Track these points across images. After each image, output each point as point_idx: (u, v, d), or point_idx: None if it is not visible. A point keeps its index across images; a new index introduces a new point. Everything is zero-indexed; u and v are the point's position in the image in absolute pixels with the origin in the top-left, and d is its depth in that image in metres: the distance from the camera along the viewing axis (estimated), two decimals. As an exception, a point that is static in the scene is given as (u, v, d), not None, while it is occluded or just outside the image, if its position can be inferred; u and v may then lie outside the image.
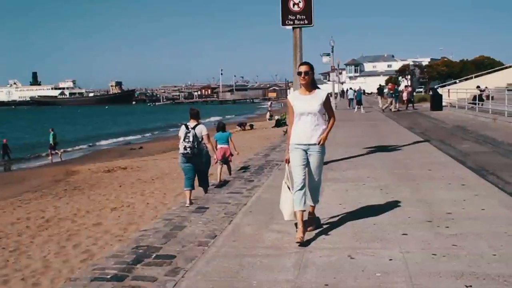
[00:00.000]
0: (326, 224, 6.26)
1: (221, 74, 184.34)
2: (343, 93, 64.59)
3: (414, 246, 5.31)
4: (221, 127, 11.94)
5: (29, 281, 6.99)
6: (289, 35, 11.15)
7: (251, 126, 39.01)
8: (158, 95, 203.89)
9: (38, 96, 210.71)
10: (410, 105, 36.39)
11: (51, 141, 29.16)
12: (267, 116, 49.25)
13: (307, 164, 5.79)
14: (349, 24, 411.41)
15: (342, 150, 13.56)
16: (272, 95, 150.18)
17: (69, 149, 36.17)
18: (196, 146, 9.25)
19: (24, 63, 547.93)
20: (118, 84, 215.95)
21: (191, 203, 8.74)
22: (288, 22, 10.64)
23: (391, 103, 34.71)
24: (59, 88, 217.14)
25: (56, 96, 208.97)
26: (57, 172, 20.95)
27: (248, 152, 17.92)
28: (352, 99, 43.13)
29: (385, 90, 42.67)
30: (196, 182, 9.71)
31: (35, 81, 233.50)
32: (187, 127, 9.42)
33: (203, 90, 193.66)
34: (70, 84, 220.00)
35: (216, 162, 11.13)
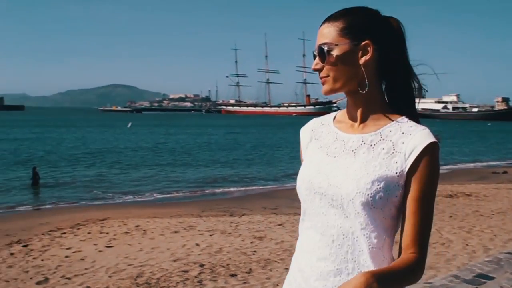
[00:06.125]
0: None
1: None
2: None
3: None
4: None
5: None
6: None
7: None
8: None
9: (421, 109, 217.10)
10: None
11: None
12: None
13: None
14: None
15: None
16: None
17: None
18: None
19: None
20: (505, 100, 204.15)
21: None
22: None
23: None
24: (442, 102, 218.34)
25: (438, 110, 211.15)
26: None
27: None
28: None
29: None
30: None
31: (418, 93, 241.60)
32: None
33: None
34: (454, 98, 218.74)
35: None
